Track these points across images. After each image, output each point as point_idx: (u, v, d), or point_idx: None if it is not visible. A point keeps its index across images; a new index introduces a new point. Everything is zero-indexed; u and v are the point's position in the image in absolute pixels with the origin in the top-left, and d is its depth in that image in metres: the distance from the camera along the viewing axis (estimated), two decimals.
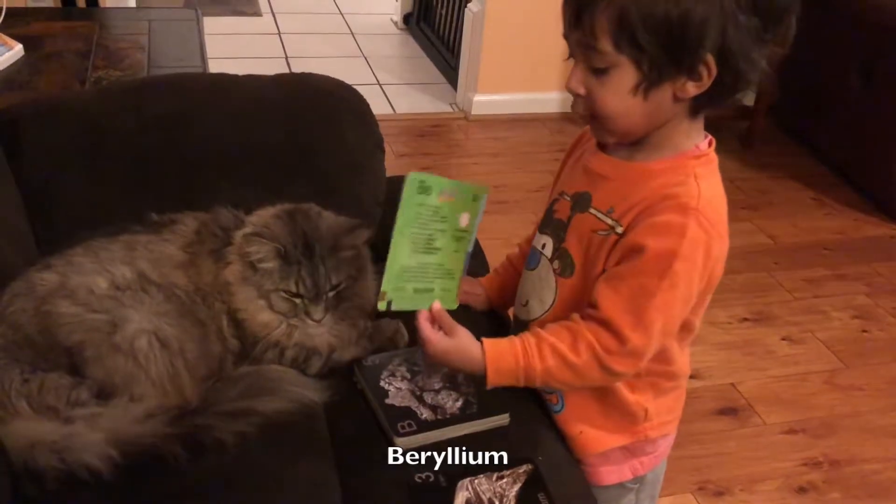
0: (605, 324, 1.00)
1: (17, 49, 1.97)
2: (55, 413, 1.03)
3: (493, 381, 1.06)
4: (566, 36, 0.98)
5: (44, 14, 2.33)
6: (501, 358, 1.05)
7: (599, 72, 0.96)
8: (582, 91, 0.99)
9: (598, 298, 1.01)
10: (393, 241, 1.06)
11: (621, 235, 1.01)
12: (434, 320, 1.08)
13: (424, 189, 1.05)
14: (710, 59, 0.91)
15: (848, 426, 2.03)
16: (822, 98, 3.20)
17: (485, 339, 1.07)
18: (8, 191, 1.33)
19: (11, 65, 1.94)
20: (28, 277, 1.14)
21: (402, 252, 1.07)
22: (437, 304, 1.08)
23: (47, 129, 1.42)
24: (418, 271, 1.10)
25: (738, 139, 3.34)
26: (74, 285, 1.11)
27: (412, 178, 1.03)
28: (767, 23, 0.92)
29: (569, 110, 1.01)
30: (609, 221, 1.03)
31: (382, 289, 1.07)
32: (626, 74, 0.94)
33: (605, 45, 0.93)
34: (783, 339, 2.31)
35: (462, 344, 1.06)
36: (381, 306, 1.08)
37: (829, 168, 3.20)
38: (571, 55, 1.00)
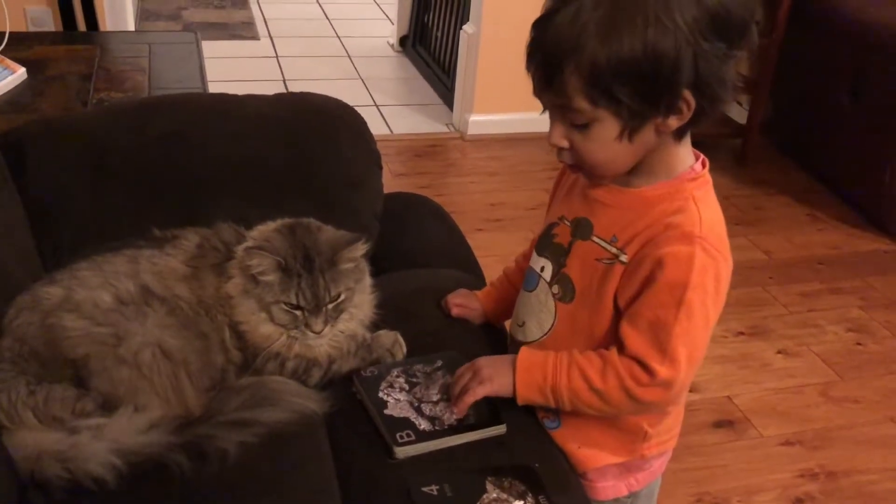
0: (635, 359, 1.02)
1: (21, 72, 2.00)
2: (61, 424, 1.05)
3: (521, 393, 1.09)
4: (537, 96, 0.98)
5: (46, 38, 2.37)
6: (531, 371, 1.08)
7: (580, 126, 0.96)
8: (565, 144, 0.99)
9: (624, 339, 1.02)
10: None
11: (627, 265, 1.02)
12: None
13: None
14: (688, 94, 0.92)
15: (844, 438, 2.05)
16: (813, 115, 3.24)
17: (522, 349, 1.11)
18: (14, 208, 1.35)
19: (15, 87, 1.97)
20: (34, 291, 1.15)
21: None
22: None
23: (51, 149, 1.44)
24: None
25: (732, 156, 3.38)
26: (79, 299, 1.12)
27: None
28: (732, 41, 0.92)
29: None
30: (613, 250, 1.04)
31: None
32: (607, 126, 0.95)
33: (581, 103, 0.93)
34: (779, 353, 2.33)
35: (495, 356, 1.14)
36: None
37: (822, 184, 3.23)
38: (547, 110, 1.00)
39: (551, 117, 0.99)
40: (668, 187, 1.02)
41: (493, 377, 1.11)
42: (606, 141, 0.96)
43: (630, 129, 0.95)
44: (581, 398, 1.06)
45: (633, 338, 1.01)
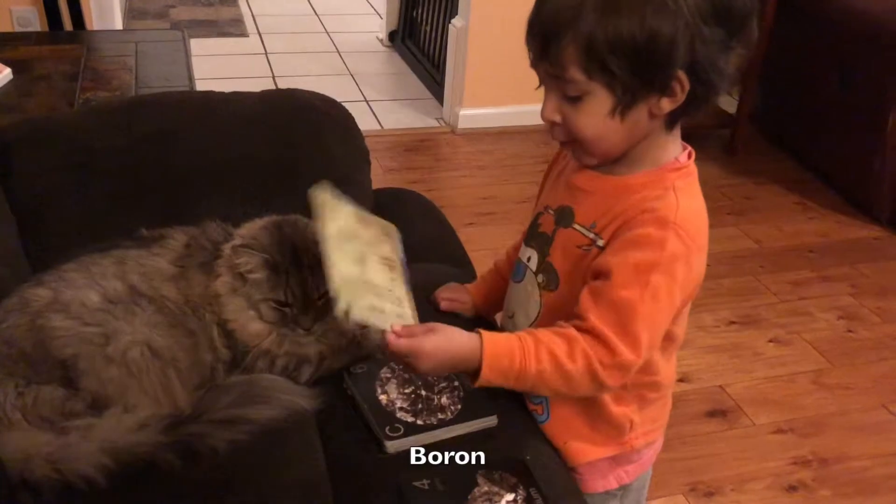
0: (596, 336, 0.98)
1: (6, 73, 2.00)
2: (50, 425, 1.05)
3: (486, 376, 1.00)
4: (534, 66, 0.99)
5: (31, 38, 2.36)
6: (498, 357, 1.00)
7: (573, 99, 0.97)
8: (558, 119, 1.00)
9: (584, 312, 1.00)
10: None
11: (602, 249, 1.02)
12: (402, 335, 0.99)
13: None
14: (682, 74, 0.93)
15: (836, 424, 2.06)
16: (802, 104, 3.24)
17: (482, 332, 1.01)
18: (0, 210, 1.35)
19: (0, 88, 1.96)
20: (21, 293, 1.15)
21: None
22: (398, 324, 0.99)
23: (38, 149, 1.44)
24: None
25: (722, 146, 3.38)
26: (67, 299, 1.12)
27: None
28: (731, 31, 0.93)
29: None
30: (591, 236, 1.04)
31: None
32: (600, 99, 0.95)
33: (576, 74, 0.94)
34: (770, 341, 2.34)
35: (450, 335, 1.00)
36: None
37: (811, 172, 3.24)
38: (542, 84, 1.01)
39: (546, 90, 1.00)
40: (651, 176, 1.03)
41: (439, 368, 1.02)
42: (598, 116, 0.97)
43: (622, 106, 0.96)
44: (547, 382, 1.00)
45: (595, 313, 0.98)
